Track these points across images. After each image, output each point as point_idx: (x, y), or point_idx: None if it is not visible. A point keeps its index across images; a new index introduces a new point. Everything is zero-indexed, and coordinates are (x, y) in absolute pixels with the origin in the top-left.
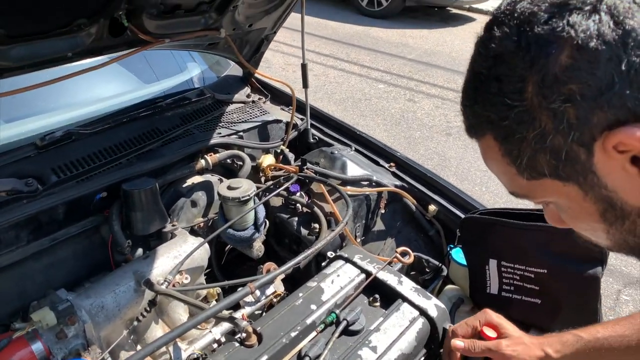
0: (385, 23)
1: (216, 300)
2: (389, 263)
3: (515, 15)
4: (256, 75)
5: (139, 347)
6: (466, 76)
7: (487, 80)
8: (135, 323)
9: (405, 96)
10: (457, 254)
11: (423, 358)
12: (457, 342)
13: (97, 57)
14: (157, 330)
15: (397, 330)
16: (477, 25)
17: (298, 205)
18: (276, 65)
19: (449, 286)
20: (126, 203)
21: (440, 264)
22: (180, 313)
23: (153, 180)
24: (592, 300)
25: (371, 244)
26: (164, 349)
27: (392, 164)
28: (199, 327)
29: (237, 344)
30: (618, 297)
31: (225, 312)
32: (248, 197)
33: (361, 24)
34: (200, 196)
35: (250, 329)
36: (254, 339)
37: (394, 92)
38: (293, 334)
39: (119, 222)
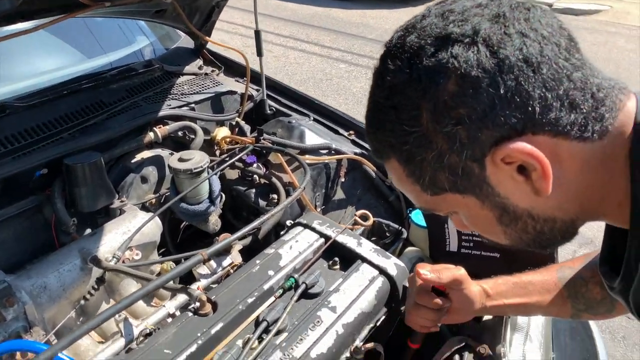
0: (345, 4)
1: None
2: (349, 227)
3: (405, 48)
4: (208, 45)
5: None
6: (367, 105)
7: (384, 109)
8: (83, 302)
9: (367, 75)
10: (417, 216)
11: (384, 317)
12: (424, 272)
13: (30, 22)
14: None
15: (357, 290)
16: None
17: (255, 176)
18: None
19: (409, 248)
20: (69, 179)
21: (400, 227)
22: (132, 291)
23: (98, 154)
24: (547, 257)
25: (332, 213)
26: (114, 327)
27: (351, 132)
28: (153, 304)
29: (190, 314)
30: (574, 256)
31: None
32: (201, 169)
33: (321, 5)
34: (151, 171)
35: (204, 298)
36: (208, 308)
37: (355, 71)
38: (250, 300)
39: (62, 200)
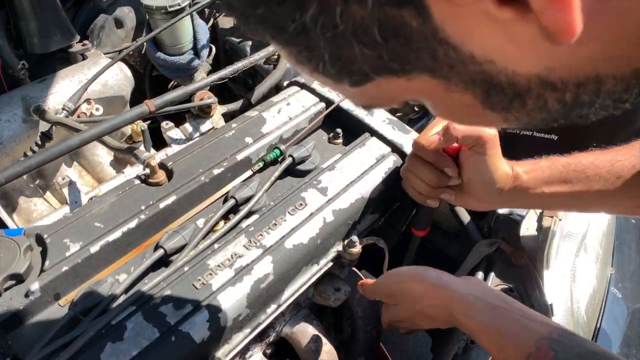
0: None
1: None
2: None
3: None
4: None
5: (48, 194)
6: None
7: None
8: (22, 159)
9: None
10: None
11: (395, 207)
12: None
13: None
14: (71, 175)
15: (358, 169)
16: None
17: None
18: None
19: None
20: (12, 9)
21: None
22: (100, 155)
23: None
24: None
25: None
26: (58, 188)
27: None
28: (124, 172)
29: (137, 182)
30: None
31: (148, 154)
32: (178, 7)
33: None
34: (127, 13)
35: (153, 162)
36: (160, 176)
37: None
38: (217, 172)
39: (4, 35)
